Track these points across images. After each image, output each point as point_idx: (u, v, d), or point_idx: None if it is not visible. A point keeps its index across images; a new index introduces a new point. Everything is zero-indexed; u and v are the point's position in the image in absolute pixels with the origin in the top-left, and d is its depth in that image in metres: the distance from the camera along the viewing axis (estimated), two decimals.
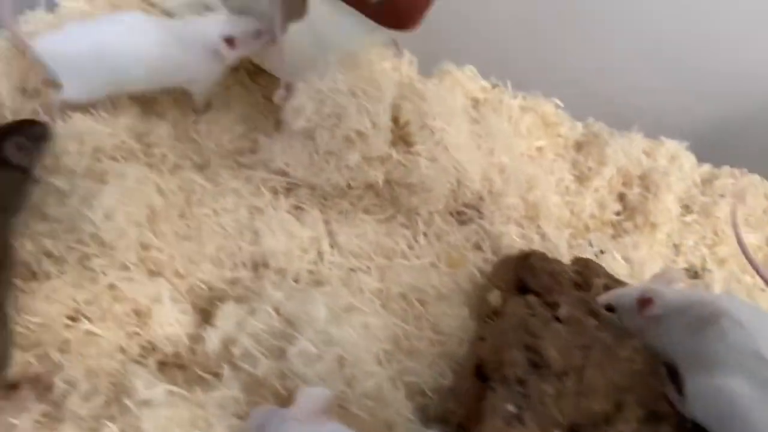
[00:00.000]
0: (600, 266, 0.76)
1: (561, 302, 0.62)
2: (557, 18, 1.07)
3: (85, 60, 0.73)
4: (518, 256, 0.76)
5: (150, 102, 0.82)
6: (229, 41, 0.76)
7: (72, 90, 0.74)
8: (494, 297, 0.74)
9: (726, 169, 1.03)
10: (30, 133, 0.67)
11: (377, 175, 0.83)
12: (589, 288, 0.71)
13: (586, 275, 0.73)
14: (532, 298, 0.64)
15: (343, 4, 0.75)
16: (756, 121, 1.13)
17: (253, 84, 0.90)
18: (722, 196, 0.99)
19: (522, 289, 0.73)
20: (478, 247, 0.87)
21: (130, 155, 0.76)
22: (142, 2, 0.89)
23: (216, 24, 0.76)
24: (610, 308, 0.66)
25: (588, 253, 0.91)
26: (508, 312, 0.64)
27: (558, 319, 0.61)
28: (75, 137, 0.73)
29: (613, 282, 0.74)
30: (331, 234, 0.80)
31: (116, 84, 0.76)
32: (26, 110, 0.76)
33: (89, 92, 0.76)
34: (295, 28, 0.80)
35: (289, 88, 0.78)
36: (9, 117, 0.74)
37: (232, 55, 0.77)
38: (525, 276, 0.71)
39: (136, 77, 0.76)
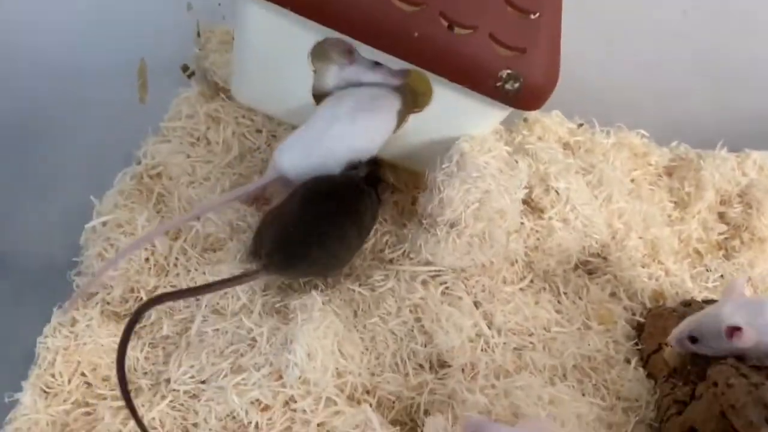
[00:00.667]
0: None
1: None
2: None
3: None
4: (681, 314, 0.77)
5: None
6: None
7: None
8: (670, 356, 0.75)
9: None
10: None
11: (517, 249, 0.84)
12: None
13: None
14: (738, 364, 0.66)
15: (469, 91, 0.75)
16: None
17: None
18: None
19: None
20: (613, 295, 0.88)
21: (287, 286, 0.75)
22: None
23: None
24: (693, 339, 0.71)
25: (710, 281, 0.93)
26: (717, 378, 0.66)
27: None
28: None
29: None
30: (486, 315, 0.81)
31: None
32: None
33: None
34: (418, 120, 0.80)
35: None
36: None
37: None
38: None
39: None
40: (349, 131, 0.76)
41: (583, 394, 0.75)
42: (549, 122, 1.01)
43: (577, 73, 1.09)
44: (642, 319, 0.85)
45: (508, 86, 0.73)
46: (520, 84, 0.73)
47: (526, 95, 0.74)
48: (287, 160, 0.74)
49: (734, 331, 0.66)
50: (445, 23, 0.71)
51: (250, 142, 0.87)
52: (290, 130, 0.87)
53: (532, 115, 1.02)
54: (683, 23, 1.08)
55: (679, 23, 1.08)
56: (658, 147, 1.06)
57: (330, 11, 0.70)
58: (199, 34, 0.91)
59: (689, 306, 0.81)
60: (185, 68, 0.92)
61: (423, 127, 0.82)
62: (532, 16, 0.72)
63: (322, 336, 0.67)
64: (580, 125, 1.05)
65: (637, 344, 0.82)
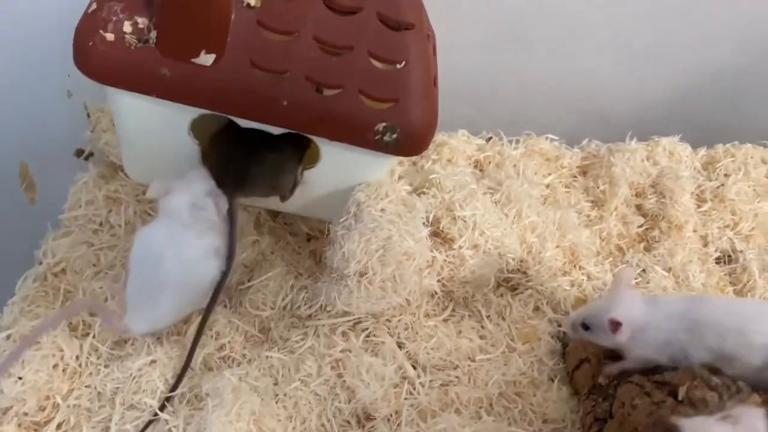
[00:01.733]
0: None
1: (673, 380, 0.65)
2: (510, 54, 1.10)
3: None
4: None
5: None
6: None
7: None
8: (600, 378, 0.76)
9: (720, 147, 1.08)
10: None
11: (432, 284, 0.85)
12: None
13: None
14: (643, 381, 0.67)
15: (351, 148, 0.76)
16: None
17: (280, 229, 0.90)
18: (727, 175, 1.04)
19: (611, 357, 0.76)
20: (537, 309, 0.90)
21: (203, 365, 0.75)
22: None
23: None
24: (585, 327, 0.74)
25: (632, 278, 0.94)
26: (624, 398, 0.67)
27: (677, 399, 0.64)
28: None
29: None
30: (410, 355, 0.82)
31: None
32: None
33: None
34: (314, 175, 0.81)
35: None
36: None
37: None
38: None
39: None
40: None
41: (510, 424, 0.76)
42: (456, 143, 1.02)
43: (480, 86, 1.11)
44: None
45: (386, 138, 0.73)
46: (398, 134, 0.73)
47: (406, 143, 0.74)
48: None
49: (616, 325, 0.71)
50: (313, 86, 0.71)
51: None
52: None
53: (439, 137, 1.03)
54: (587, 12, 1.08)
55: (583, 13, 1.08)
56: (569, 149, 1.07)
57: (195, 93, 0.70)
58: (88, 116, 0.91)
59: None
60: (80, 152, 0.91)
61: (320, 180, 0.82)
62: (399, 66, 0.73)
63: (235, 419, 0.67)
64: (489, 139, 1.05)
65: (563, 359, 0.83)
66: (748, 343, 0.68)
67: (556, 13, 1.05)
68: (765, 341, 0.68)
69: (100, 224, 0.86)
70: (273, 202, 0.86)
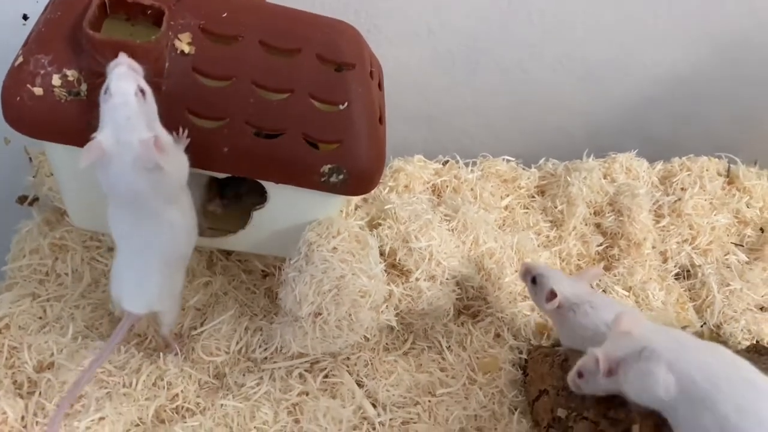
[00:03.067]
0: None
1: (626, 418, 0.65)
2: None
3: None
4: (554, 360, 0.78)
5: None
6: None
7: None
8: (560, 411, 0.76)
9: (676, 160, 1.08)
10: None
11: (389, 318, 0.84)
12: None
13: None
14: (599, 418, 0.67)
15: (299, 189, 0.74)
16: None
17: (234, 267, 0.88)
18: (683, 189, 1.05)
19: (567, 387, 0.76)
20: (498, 336, 0.89)
21: (155, 418, 0.73)
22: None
23: None
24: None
25: None
26: None
27: None
28: None
29: None
30: (369, 394, 0.81)
31: None
32: None
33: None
34: (264, 214, 0.79)
35: None
36: None
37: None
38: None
39: None
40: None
41: None
42: (412, 168, 1.01)
43: (434, 110, 1.10)
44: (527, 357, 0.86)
45: (333, 179, 0.72)
46: (345, 174, 0.72)
47: (353, 183, 0.73)
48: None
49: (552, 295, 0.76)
50: (254, 131, 0.69)
51: (102, 264, 0.85)
52: None
53: (395, 163, 1.02)
54: (538, 31, 1.07)
55: (533, 32, 1.07)
56: (525, 169, 1.07)
57: None
58: (30, 160, 0.88)
59: (559, 345, 0.82)
60: (23, 199, 0.88)
61: (270, 220, 0.81)
62: (341, 107, 0.71)
63: None
64: (445, 163, 1.05)
65: (523, 388, 0.83)
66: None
67: (507, 33, 1.04)
68: None
69: (46, 274, 0.84)
70: (226, 242, 0.84)
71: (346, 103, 0.71)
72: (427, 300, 0.86)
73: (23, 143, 0.86)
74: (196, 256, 0.86)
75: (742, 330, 0.93)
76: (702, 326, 0.93)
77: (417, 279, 0.86)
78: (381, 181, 0.96)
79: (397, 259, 0.87)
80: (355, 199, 0.94)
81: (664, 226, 1.02)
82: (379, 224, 0.89)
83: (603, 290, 0.96)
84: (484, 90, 1.10)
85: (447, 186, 1.02)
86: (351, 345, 0.83)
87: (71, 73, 0.65)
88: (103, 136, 0.60)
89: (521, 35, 1.07)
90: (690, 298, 0.98)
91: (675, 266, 1.01)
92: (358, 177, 0.72)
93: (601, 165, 1.06)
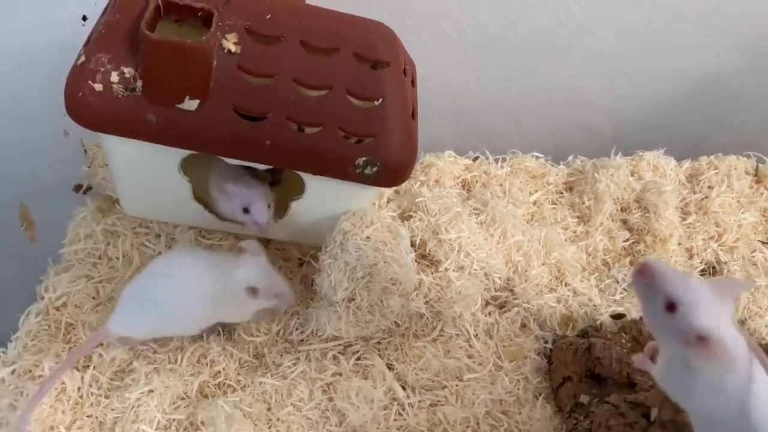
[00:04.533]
0: (644, 324, 0.83)
1: (645, 401, 0.68)
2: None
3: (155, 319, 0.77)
4: (578, 347, 0.81)
5: None
6: (252, 290, 0.77)
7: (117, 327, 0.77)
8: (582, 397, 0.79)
9: (704, 159, 1.10)
10: None
11: (419, 306, 0.88)
12: None
13: (642, 342, 0.79)
14: (619, 402, 0.70)
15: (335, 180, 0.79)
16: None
17: (273, 254, 0.93)
18: (710, 187, 1.06)
19: (592, 375, 0.79)
20: (524, 326, 0.92)
21: (198, 393, 0.78)
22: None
23: (244, 269, 0.78)
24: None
25: (618, 292, 0.97)
26: (600, 419, 0.70)
27: (650, 420, 0.67)
28: None
29: None
30: (399, 377, 0.85)
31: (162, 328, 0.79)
32: None
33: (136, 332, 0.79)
34: (301, 205, 0.84)
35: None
36: None
37: (253, 303, 0.79)
38: (595, 368, 0.77)
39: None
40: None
41: None
42: (442, 164, 1.05)
43: (465, 107, 1.13)
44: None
45: (366, 171, 0.76)
46: (378, 167, 0.76)
47: (386, 175, 0.77)
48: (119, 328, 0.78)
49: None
50: (294, 126, 0.74)
51: (150, 249, 0.90)
52: (187, 230, 0.91)
53: (426, 159, 1.06)
54: (568, 28, 1.10)
55: (564, 29, 1.10)
56: (554, 165, 1.09)
57: (181, 137, 0.73)
58: (86, 152, 0.94)
59: (586, 335, 0.85)
60: (78, 188, 0.94)
61: (307, 210, 0.85)
62: (376, 103, 0.75)
63: None
64: (475, 159, 1.08)
65: (547, 376, 0.86)
66: None
67: (537, 32, 1.07)
68: None
69: (99, 257, 0.89)
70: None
71: (380, 99, 0.75)
72: (455, 289, 0.89)
73: (80, 136, 0.92)
74: (237, 244, 0.91)
75: (766, 326, 0.94)
76: None
77: (446, 269, 0.90)
78: (412, 175, 1.00)
79: (428, 249, 0.91)
80: (388, 192, 0.98)
81: (690, 223, 1.04)
82: (411, 216, 0.93)
83: (629, 284, 0.98)
84: (513, 88, 1.13)
85: (477, 181, 1.06)
86: (382, 330, 0.87)
87: (128, 71, 0.71)
88: None
89: (551, 35, 1.10)
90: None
91: (701, 263, 1.02)
92: (391, 169, 0.77)
93: (628, 162, 1.08)
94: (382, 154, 0.75)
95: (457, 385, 0.85)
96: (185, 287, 0.76)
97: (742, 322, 0.95)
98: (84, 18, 0.92)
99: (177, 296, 0.77)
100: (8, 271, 0.87)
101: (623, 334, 0.83)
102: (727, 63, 1.14)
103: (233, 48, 0.72)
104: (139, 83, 0.70)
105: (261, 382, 0.81)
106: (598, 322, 0.90)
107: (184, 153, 0.76)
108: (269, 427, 0.77)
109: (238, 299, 0.77)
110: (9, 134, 0.97)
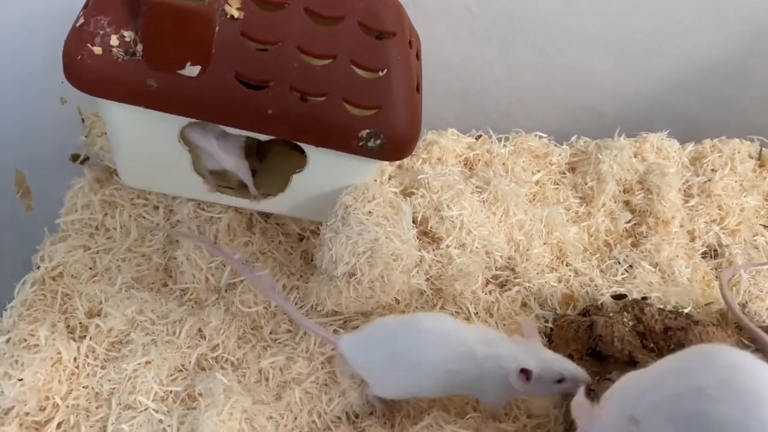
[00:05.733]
0: (648, 305, 0.82)
1: None
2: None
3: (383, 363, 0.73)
4: (580, 325, 0.80)
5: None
6: (525, 373, 0.69)
7: (379, 390, 0.74)
8: None
9: (708, 142, 1.09)
10: None
11: (420, 283, 0.87)
12: (654, 335, 0.77)
13: (644, 321, 0.79)
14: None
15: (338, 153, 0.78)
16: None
17: (272, 229, 0.92)
18: (714, 170, 1.06)
19: (594, 352, 0.79)
20: (525, 305, 0.92)
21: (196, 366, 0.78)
22: None
23: (520, 351, 0.70)
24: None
25: (619, 273, 0.96)
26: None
27: None
28: None
29: (664, 318, 0.80)
30: None
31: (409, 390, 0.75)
32: None
33: (394, 393, 0.75)
34: (303, 178, 0.83)
35: None
36: None
37: (521, 388, 0.69)
38: (597, 346, 0.77)
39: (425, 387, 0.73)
40: None
41: (495, 419, 0.78)
42: (445, 142, 1.04)
43: (469, 85, 1.12)
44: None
45: (370, 144, 0.75)
46: (382, 140, 0.75)
47: (390, 148, 0.76)
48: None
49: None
50: (297, 95, 0.73)
51: (147, 221, 0.89)
52: (185, 202, 0.89)
53: (429, 136, 1.05)
54: (575, 8, 1.09)
55: (570, 9, 1.09)
56: (557, 145, 1.08)
57: (181, 103, 0.72)
58: (83, 121, 0.93)
59: (587, 314, 0.84)
60: (75, 157, 0.93)
61: (308, 184, 0.84)
62: (381, 74, 0.74)
63: (227, 418, 0.70)
64: (478, 137, 1.07)
65: None
66: None
67: (544, 12, 1.06)
68: None
69: (96, 228, 0.88)
70: (264, 205, 0.88)
71: (385, 70, 0.74)
72: (456, 267, 0.88)
73: (77, 105, 0.91)
74: (236, 217, 0.90)
75: (767, 309, 0.94)
76: None
77: (447, 246, 0.89)
78: (414, 152, 0.99)
79: (429, 226, 0.90)
80: (389, 169, 0.97)
81: (692, 206, 1.03)
82: (413, 193, 0.92)
83: (630, 265, 0.97)
84: (518, 68, 1.12)
85: (479, 160, 1.05)
86: (383, 306, 0.86)
87: (128, 34, 0.69)
88: None
89: (557, 15, 1.09)
90: (716, 277, 0.99)
91: (702, 245, 1.01)
92: (395, 142, 0.75)
93: (632, 144, 1.07)
94: (386, 127, 0.74)
95: None
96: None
97: (743, 305, 0.95)
98: None
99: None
100: (4, 239, 0.86)
101: (625, 313, 0.82)
102: (732, 46, 1.13)
103: (236, 14, 0.71)
104: (140, 47, 0.69)
105: (260, 355, 0.80)
106: (599, 302, 0.89)
107: (184, 121, 0.75)
108: (268, 400, 0.77)
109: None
110: (5, 101, 0.95)
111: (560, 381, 0.70)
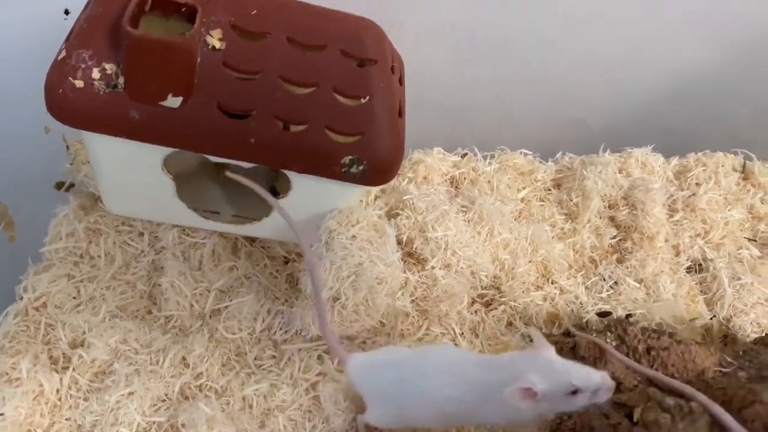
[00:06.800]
0: (631, 324, 0.83)
1: (629, 401, 0.68)
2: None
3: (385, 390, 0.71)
4: (563, 346, 0.81)
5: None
6: (528, 392, 0.62)
7: (375, 416, 0.73)
8: None
9: (692, 156, 1.10)
10: None
11: (405, 305, 0.87)
12: (637, 355, 0.77)
13: (627, 341, 0.79)
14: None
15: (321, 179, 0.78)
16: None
17: (258, 252, 0.92)
18: (698, 184, 1.06)
19: None
20: (510, 324, 0.92)
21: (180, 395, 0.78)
22: None
23: (526, 366, 0.64)
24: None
25: (604, 289, 0.97)
26: (583, 419, 0.70)
27: (632, 421, 0.67)
28: None
29: (647, 337, 0.80)
30: None
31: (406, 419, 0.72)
32: None
33: (389, 420, 0.73)
34: (287, 203, 0.83)
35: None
36: None
37: (529, 408, 0.63)
38: None
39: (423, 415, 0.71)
40: None
41: None
42: (431, 161, 1.04)
43: (454, 103, 1.12)
44: None
45: (353, 170, 0.75)
46: (365, 165, 0.75)
47: (372, 174, 0.76)
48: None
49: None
50: (280, 123, 0.73)
51: (132, 248, 0.89)
52: (170, 228, 0.89)
53: (415, 156, 1.05)
54: (558, 24, 1.09)
55: (553, 25, 1.09)
56: (542, 162, 1.09)
57: (164, 134, 0.72)
58: (68, 148, 0.92)
59: (569, 335, 0.84)
60: (60, 185, 0.93)
61: (292, 209, 0.84)
62: (363, 101, 0.74)
63: None
64: (464, 155, 1.07)
65: None
66: None
67: (529, 29, 1.06)
68: None
69: (81, 256, 0.88)
70: (249, 229, 0.88)
71: (368, 97, 0.74)
72: (441, 288, 0.88)
73: (62, 132, 0.90)
74: (221, 242, 0.90)
75: (751, 323, 0.94)
76: (712, 318, 0.95)
77: (432, 267, 0.89)
78: (400, 172, 0.99)
79: (414, 247, 0.90)
80: (375, 190, 0.97)
81: (677, 221, 1.04)
82: (398, 214, 0.93)
83: (615, 282, 0.98)
84: (504, 84, 1.12)
85: (465, 178, 1.05)
86: (367, 329, 0.86)
87: (110, 67, 0.69)
88: None
89: (543, 31, 1.09)
90: (701, 291, 0.99)
91: (687, 260, 1.02)
92: (377, 168, 0.76)
93: (616, 159, 1.08)
94: (368, 153, 0.74)
95: None
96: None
97: (727, 319, 0.96)
98: (66, 12, 0.90)
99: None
100: None
101: (608, 332, 0.82)
102: (717, 61, 1.14)
103: (218, 44, 0.71)
104: (121, 80, 0.69)
105: (243, 383, 0.80)
106: (584, 320, 0.90)
107: (168, 151, 0.75)
108: (251, 429, 0.76)
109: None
110: None
111: (575, 392, 0.62)
